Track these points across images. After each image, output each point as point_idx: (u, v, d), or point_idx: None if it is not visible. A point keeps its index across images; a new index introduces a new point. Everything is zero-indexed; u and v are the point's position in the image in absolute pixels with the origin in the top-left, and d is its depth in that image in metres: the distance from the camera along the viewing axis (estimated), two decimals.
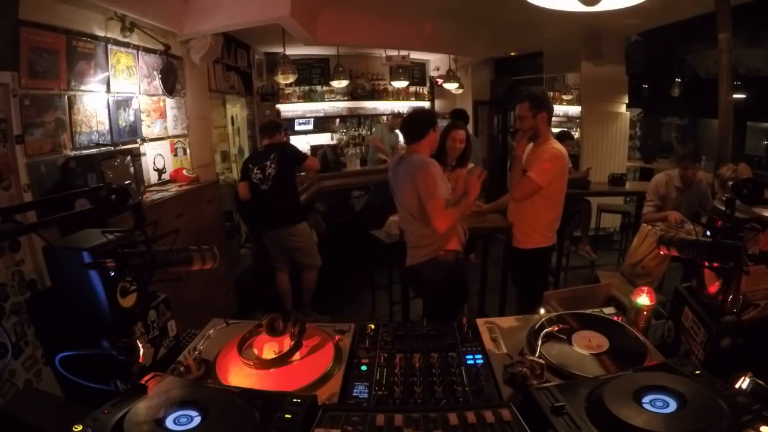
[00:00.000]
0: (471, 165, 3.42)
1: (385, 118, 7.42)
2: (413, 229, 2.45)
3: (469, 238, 2.63)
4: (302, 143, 6.83)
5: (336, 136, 7.37)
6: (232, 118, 5.78)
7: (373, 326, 1.36)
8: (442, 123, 3.62)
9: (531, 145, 2.72)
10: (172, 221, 2.77)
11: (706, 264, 1.16)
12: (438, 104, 7.99)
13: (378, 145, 6.23)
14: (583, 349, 1.19)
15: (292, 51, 5.55)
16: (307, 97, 7.06)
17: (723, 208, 1.16)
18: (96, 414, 0.87)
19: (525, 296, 2.84)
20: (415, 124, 2.41)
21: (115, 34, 2.87)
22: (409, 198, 2.35)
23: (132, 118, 3.07)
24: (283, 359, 1.19)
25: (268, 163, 3.43)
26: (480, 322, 1.41)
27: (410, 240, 2.51)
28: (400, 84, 7.12)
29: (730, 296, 1.13)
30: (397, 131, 6.75)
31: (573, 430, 0.81)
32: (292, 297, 3.76)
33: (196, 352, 1.19)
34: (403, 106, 7.50)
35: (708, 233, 1.22)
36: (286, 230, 3.52)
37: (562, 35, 5.38)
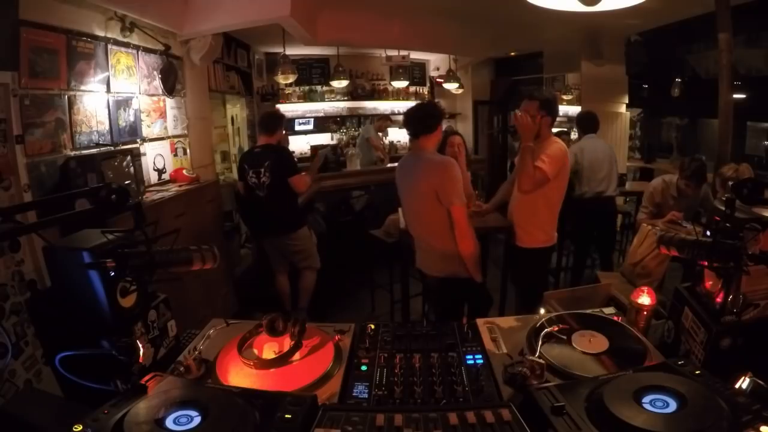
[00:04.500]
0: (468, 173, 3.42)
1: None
2: (426, 234, 2.35)
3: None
4: (302, 143, 6.84)
5: (336, 136, 7.38)
6: (232, 118, 5.78)
7: (373, 326, 1.36)
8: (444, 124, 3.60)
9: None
10: (172, 221, 2.77)
11: (706, 264, 1.16)
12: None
13: (375, 144, 6.22)
14: (583, 349, 1.19)
15: (292, 51, 5.55)
16: (307, 97, 7.06)
17: (723, 208, 1.16)
18: (96, 414, 0.87)
19: (525, 296, 2.84)
20: (425, 116, 2.30)
21: (115, 34, 2.87)
22: (428, 204, 2.23)
23: (132, 118, 3.07)
24: (283, 359, 1.19)
25: (263, 170, 3.30)
26: (480, 322, 1.41)
27: (421, 245, 2.43)
28: (400, 84, 7.12)
29: (730, 296, 1.13)
30: (380, 133, 6.75)
31: (573, 430, 0.81)
32: (292, 299, 3.75)
33: (196, 352, 1.18)
34: (403, 106, 7.51)
35: (708, 233, 1.22)
36: (286, 236, 3.47)
37: (562, 35, 5.37)
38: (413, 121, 2.32)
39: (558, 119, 7.60)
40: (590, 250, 4.47)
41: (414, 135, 2.32)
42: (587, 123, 4.21)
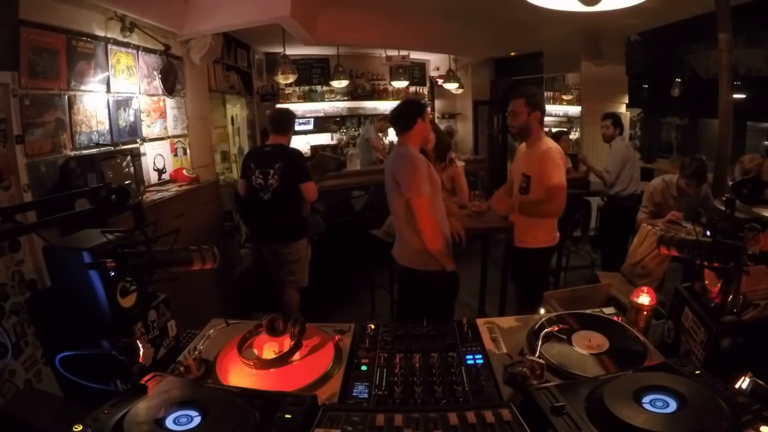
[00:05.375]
0: (460, 163, 3.43)
1: None
2: (403, 231, 2.37)
3: None
4: (302, 143, 6.84)
5: (336, 136, 7.37)
6: (232, 118, 5.78)
7: (373, 326, 1.36)
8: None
9: (523, 145, 2.74)
10: (172, 221, 2.77)
11: (706, 264, 1.16)
12: (438, 104, 8.00)
13: (375, 145, 6.20)
14: (583, 349, 1.19)
15: (292, 51, 5.55)
16: (307, 97, 7.07)
17: (723, 208, 1.16)
18: (96, 414, 0.87)
19: (525, 296, 2.84)
20: (401, 115, 2.34)
21: (115, 34, 2.87)
22: (394, 196, 2.28)
23: (132, 118, 3.07)
24: (283, 359, 1.19)
25: (271, 172, 3.14)
26: (480, 322, 1.41)
27: (400, 240, 2.45)
28: (400, 84, 7.12)
29: (730, 296, 1.13)
30: (381, 134, 6.75)
31: (573, 430, 0.81)
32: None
33: (196, 352, 1.19)
34: None
35: (708, 233, 1.22)
36: (285, 245, 3.34)
37: (562, 35, 5.38)
38: (392, 119, 2.40)
39: (558, 119, 7.63)
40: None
41: (396, 132, 2.40)
42: (622, 125, 4.43)
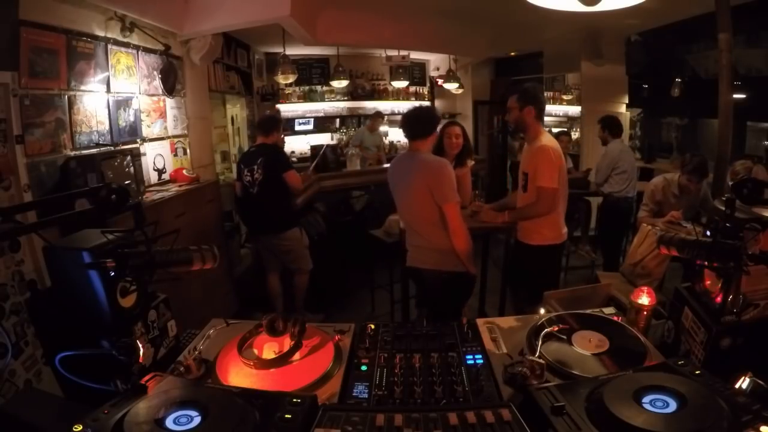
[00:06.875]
0: (470, 162, 3.41)
1: (385, 118, 7.39)
2: (429, 234, 2.36)
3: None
4: (302, 143, 6.84)
5: (336, 136, 7.37)
6: (232, 118, 5.78)
7: (373, 326, 1.36)
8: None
9: (526, 145, 2.72)
10: (172, 221, 2.77)
11: (706, 264, 1.16)
12: (438, 104, 7.99)
13: (366, 155, 6.14)
14: (583, 349, 1.19)
15: (292, 51, 5.55)
16: (307, 97, 7.07)
17: (723, 208, 1.16)
18: (96, 414, 0.87)
19: (533, 297, 2.78)
20: (425, 120, 2.35)
21: (115, 34, 2.87)
22: (423, 202, 2.28)
23: (132, 118, 3.07)
24: (283, 359, 1.19)
25: (255, 167, 3.36)
26: (480, 322, 1.41)
27: (419, 242, 2.42)
28: (400, 84, 7.12)
29: (730, 296, 1.13)
30: (380, 131, 6.65)
31: (573, 430, 0.81)
32: (284, 299, 3.72)
33: (196, 352, 1.18)
34: (403, 106, 7.50)
35: (708, 233, 1.22)
36: (275, 236, 3.48)
37: (562, 35, 5.37)
38: (410, 124, 2.37)
39: (558, 119, 7.61)
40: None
41: (411, 137, 2.37)
42: (617, 128, 4.45)
